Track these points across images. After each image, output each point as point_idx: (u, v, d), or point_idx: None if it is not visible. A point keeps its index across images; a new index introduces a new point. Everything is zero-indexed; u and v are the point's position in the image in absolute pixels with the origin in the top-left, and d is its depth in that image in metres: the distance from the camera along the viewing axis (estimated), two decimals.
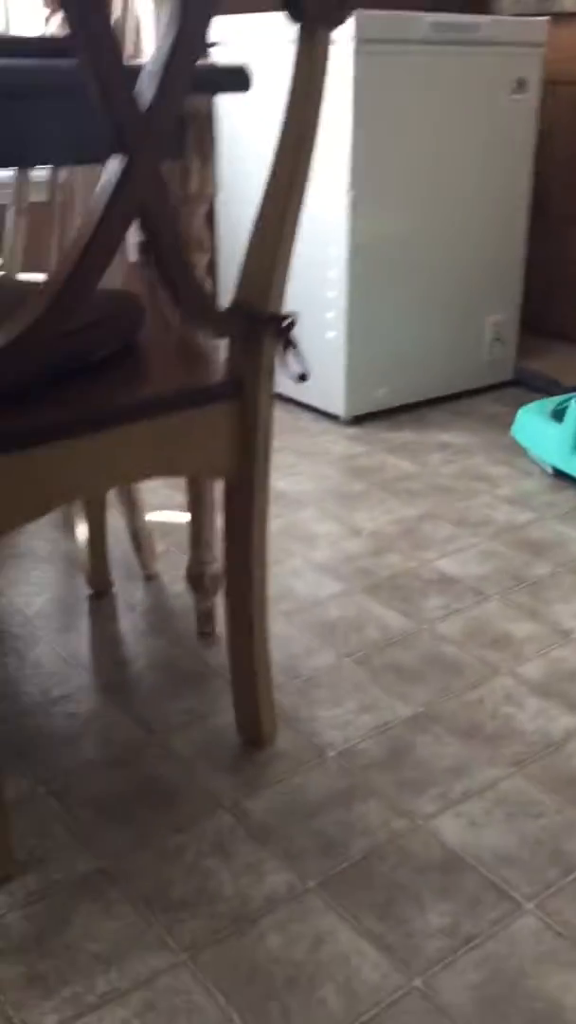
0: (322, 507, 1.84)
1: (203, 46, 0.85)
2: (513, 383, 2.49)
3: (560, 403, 2.05)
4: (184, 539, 1.69)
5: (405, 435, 2.19)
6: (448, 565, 1.64)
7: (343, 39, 1.95)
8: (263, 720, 1.18)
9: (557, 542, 1.71)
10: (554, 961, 0.92)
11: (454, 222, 2.24)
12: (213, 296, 1.00)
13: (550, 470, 1.98)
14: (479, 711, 1.27)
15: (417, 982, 0.89)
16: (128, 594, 1.53)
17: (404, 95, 2.06)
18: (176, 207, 0.98)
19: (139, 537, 1.57)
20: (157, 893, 0.98)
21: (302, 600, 1.52)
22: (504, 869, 1.02)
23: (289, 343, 0.99)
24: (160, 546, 1.67)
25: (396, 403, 2.30)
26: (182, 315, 0.93)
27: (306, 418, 2.27)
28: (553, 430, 1.97)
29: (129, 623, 1.46)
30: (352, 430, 2.21)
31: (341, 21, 0.86)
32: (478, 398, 2.42)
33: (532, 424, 2.05)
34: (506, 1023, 0.86)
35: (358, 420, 2.25)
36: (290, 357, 1.00)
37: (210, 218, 2.34)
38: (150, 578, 1.56)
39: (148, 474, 0.97)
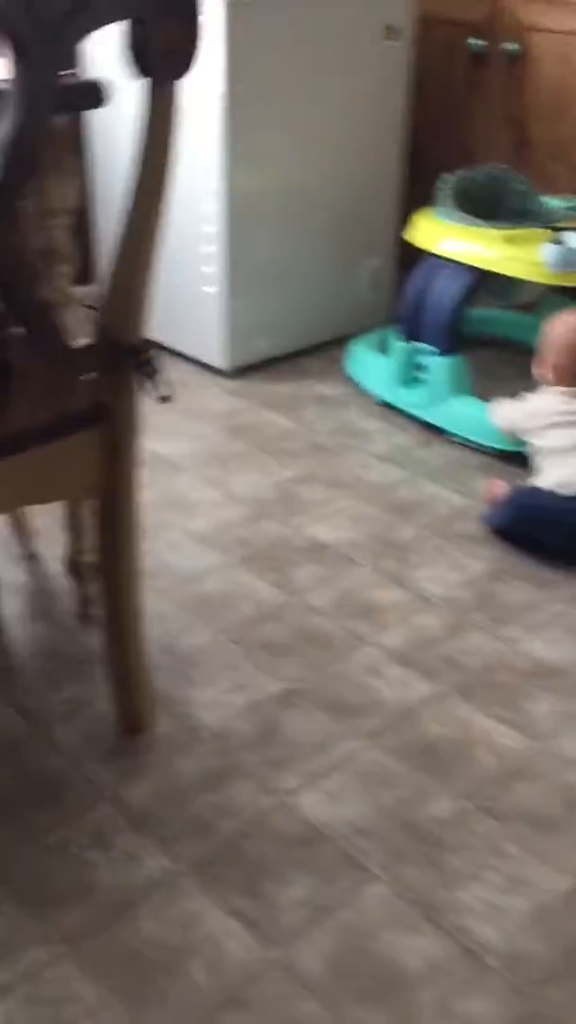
0: (200, 472, 1.89)
1: (48, 106, 0.85)
2: (390, 324, 2.55)
3: (383, 338, 2.20)
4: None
5: (285, 388, 2.24)
6: (321, 531, 1.72)
7: None
8: (140, 708, 1.26)
9: (424, 502, 1.81)
10: (399, 924, 1.04)
11: (329, 171, 2.25)
12: (79, 328, 1.02)
13: (378, 401, 2.12)
14: (343, 684, 1.37)
15: (277, 954, 1.01)
16: (8, 575, 1.57)
17: (276, 46, 2.03)
18: (27, 237, 0.99)
19: (16, 515, 1.59)
20: (39, 888, 1.06)
21: (178, 575, 1.59)
22: (360, 840, 1.14)
23: (152, 371, 1.02)
24: (39, 522, 1.70)
25: (277, 353, 2.34)
26: (39, 355, 0.96)
27: (188, 371, 2.29)
28: (379, 363, 2.13)
29: (9, 606, 1.50)
30: (233, 383, 2.25)
31: (188, 72, 0.88)
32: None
33: (360, 357, 2.21)
34: (356, 985, 0.98)
35: (240, 372, 2.28)
36: (154, 382, 1.03)
37: (84, 229, 2.29)
38: (30, 558, 1.60)
39: (14, 506, 1.01)
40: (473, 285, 1.96)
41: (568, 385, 1.76)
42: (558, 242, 1.83)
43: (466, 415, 1.97)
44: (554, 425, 1.72)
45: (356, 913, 1.05)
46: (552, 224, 1.92)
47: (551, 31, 2.21)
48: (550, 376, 1.77)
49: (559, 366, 1.75)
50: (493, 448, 1.91)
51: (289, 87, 2.09)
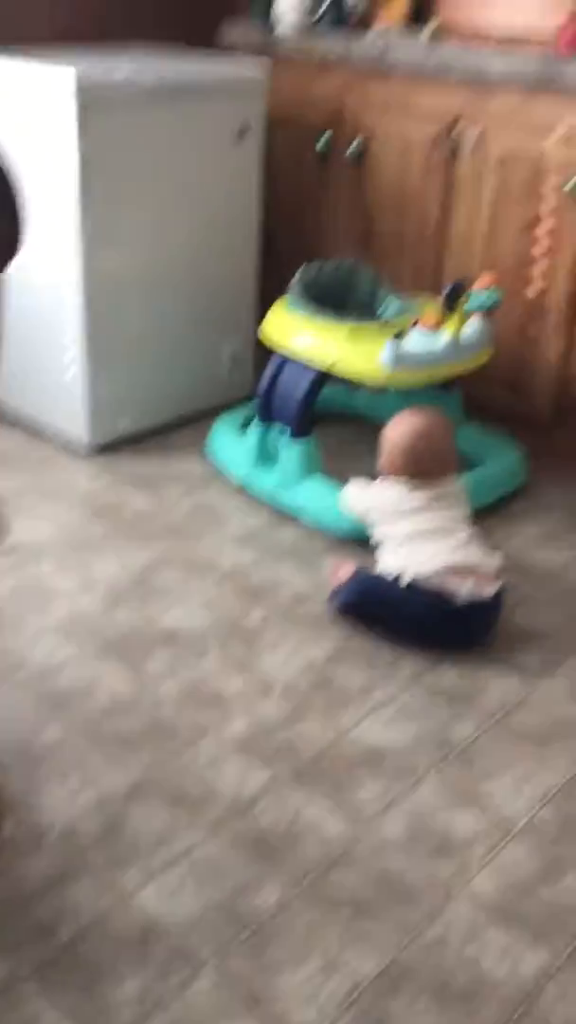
0: (59, 557, 1.96)
1: None
2: (252, 399, 2.67)
3: (247, 417, 2.31)
4: None
5: (147, 466, 2.33)
6: (173, 618, 1.82)
7: (64, 95, 2.01)
8: None
9: (272, 586, 1.93)
10: (225, 1015, 1.14)
11: (187, 257, 2.36)
12: None
13: (237, 483, 2.23)
14: (186, 776, 1.47)
15: None
16: None
17: (131, 144, 2.14)
18: None
19: None
20: None
21: (36, 669, 1.66)
22: (192, 934, 1.23)
23: None
24: None
25: (140, 430, 2.43)
26: None
27: (52, 449, 2.36)
28: (237, 444, 2.24)
29: None
30: (96, 461, 2.33)
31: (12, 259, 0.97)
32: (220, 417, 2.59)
33: (221, 438, 2.31)
34: None
35: (103, 450, 2.36)
36: None
37: None
38: None
39: None
40: (322, 376, 2.08)
41: (403, 479, 1.84)
42: (397, 341, 1.96)
43: (315, 499, 2.09)
44: (395, 514, 1.83)
45: (185, 1007, 1.15)
46: (387, 323, 2.06)
47: (389, 134, 2.38)
48: (389, 472, 1.86)
49: (396, 465, 1.83)
50: (341, 531, 2.04)
51: (144, 179, 2.20)
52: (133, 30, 2.63)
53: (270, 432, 2.16)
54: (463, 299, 2.03)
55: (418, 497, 1.81)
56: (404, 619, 1.76)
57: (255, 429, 2.18)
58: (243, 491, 2.22)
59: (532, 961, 1.22)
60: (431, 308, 2.09)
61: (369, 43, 2.35)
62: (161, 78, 2.15)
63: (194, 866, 1.32)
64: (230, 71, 2.33)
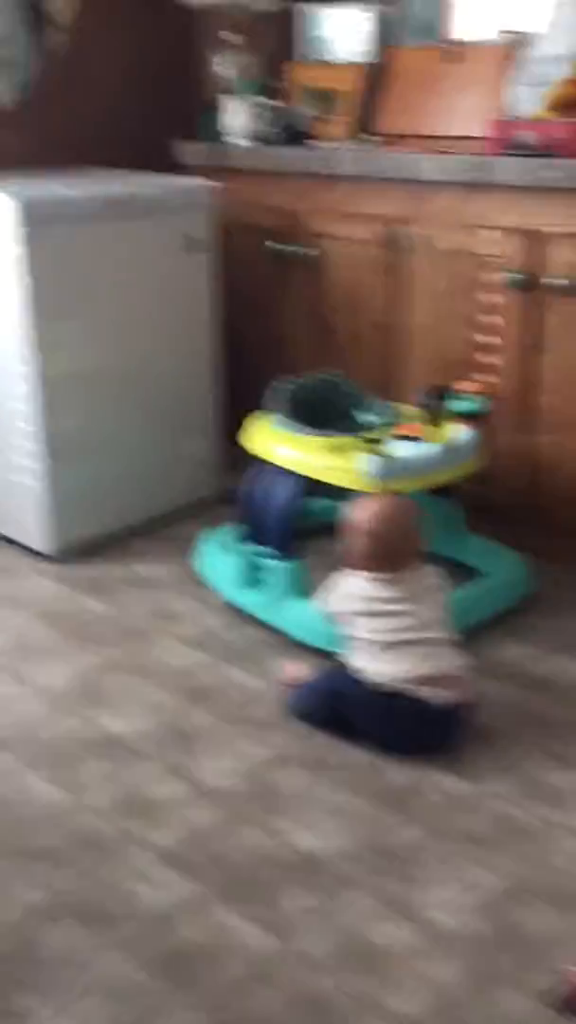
0: (8, 665, 1.94)
1: None
2: (218, 500, 2.68)
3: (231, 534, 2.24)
4: None
5: (107, 569, 2.32)
6: (114, 723, 1.77)
7: (8, 221, 2.09)
8: None
9: (221, 688, 1.88)
10: None
11: (144, 365, 2.40)
12: None
13: (224, 601, 2.15)
14: (108, 891, 1.41)
15: None
16: None
17: (80, 258, 2.20)
18: None
19: None
20: None
21: None
22: None
23: None
24: None
25: (102, 533, 2.43)
26: None
27: (12, 556, 2.36)
28: (224, 562, 2.17)
29: None
30: (56, 567, 2.32)
31: None
32: (185, 520, 2.58)
33: (209, 557, 2.24)
34: None
35: (64, 555, 2.36)
36: None
37: None
38: None
39: None
40: (303, 490, 2.00)
41: (368, 569, 1.75)
42: (378, 452, 1.89)
43: (301, 620, 1.98)
44: (364, 614, 1.72)
45: None
46: (364, 435, 1.96)
47: (339, 237, 2.44)
48: (351, 561, 1.77)
49: (357, 552, 1.75)
50: (332, 651, 1.88)
51: (96, 288, 2.25)
52: (85, 155, 2.74)
53: (254, 553, 2.07)
54: (443, 405, 1.98)
55: (387, 595, 1.71)
56: (368, 725, 1.69)
57: (238, 550, 2.10)
58: (201, 592, 2.19)
59: None
60: (414, 416, 2.03)
61: (316, 155, 2.43)
62: (106, 196, 2.23)
63: (107, 990, 1.25)
64: (175, 186, 2.42)
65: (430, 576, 1.78)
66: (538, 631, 2.05)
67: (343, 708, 1.72)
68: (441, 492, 2.15)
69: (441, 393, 2.00)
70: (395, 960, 1.30)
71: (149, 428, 2.46)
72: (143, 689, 1.88)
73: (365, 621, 1.72)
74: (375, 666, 1.69)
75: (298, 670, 1.83)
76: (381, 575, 1.74)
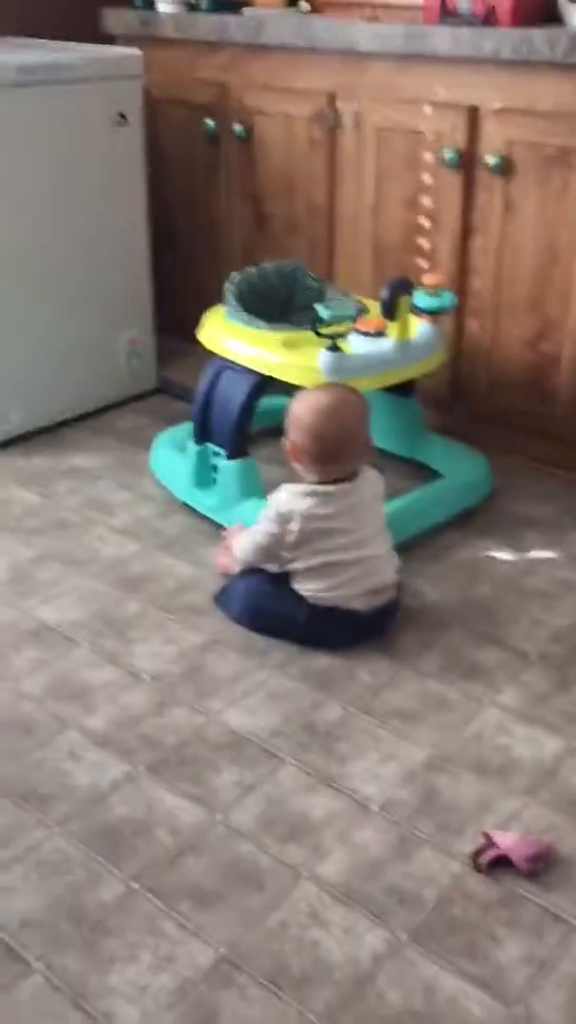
0: None
1: None
2: (156, 392, 2.63)
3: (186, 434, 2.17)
4: None
5: (39, 461, 2.28)
6: (47, 613, 1.77)
7: None
8: None
9: (154, 575, 1.89)
10: (48, 1016, 1.10)
11: (73, 247, 2.32)
12: None
13: (179, 502, 2.11)
14: (40, 772, 1.43)
15: None
16: None
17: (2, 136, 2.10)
18: None
19: None
20: None
21: None
22: (24, 932, 1.19)
23: None
24: None
25: (34, 426, 2.39)
26: None
27: None
28: (178, 463, 2.12)
29: None
30: None
31: None
32: (121, 411, 2.54)
33: (161, 456, 2.19)
34: None
35: None
36: None
37: None
38: None
39: None
40: (257, 388, 1.94)
41: (308, 468, 1.68)
42: (334, 348, 1.82)
43: (254, 521, 1.88)
44: (298, 537, 1.64)
45: (8, 1009, 1.11)
46: (321, 329, 1.83)
47: (272, 113, 2.34)
48: (293, 457, 1.70)
49: (295, 444, 1.68)
50: None
51: (16, 166, 2.15)
52: (6, 24, 2.58)
53: (206, 453, 2.02)
54: (404, 301, 1.88)
55: (325, 512, 1.64)
56: (300, 633, 1.68)
57: (191, 450, 2.04)
58: (136, 482, 2.18)
59: (371, 943, 1.19)
60: (373, 311, 1.96)
61: (246, 22, 2.31)
62: (19, 63, 2.10)
63: (38, 863, 1.28)
64: (98, 55, 2.29)
65: (372, 483, 1.71)
66: (470, 518, 2.08)
67: (268, 619, 1.71)
68: (402, 391, 2.12)
69: (398, 289, 1.89)
70: (321, 828, 1.34)
71: (79, 316, 2.39)
72: (76, 579, 1.87)
73: (298, 544, 1.66)
74: (307, 586, 1.67)
75: (229, 563, 1.83)
76: (321, 489, 1.65)
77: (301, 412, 1.68)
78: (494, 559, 1.93)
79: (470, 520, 2.06)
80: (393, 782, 1.41)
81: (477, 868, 1.27)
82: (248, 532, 1.74)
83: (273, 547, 1.68)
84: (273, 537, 1.67)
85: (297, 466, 1.70)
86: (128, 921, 1.21)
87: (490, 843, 1.29)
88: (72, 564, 1.92)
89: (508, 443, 2.25)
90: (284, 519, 1.65)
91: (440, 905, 1.23)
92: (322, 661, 1.65)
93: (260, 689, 1.60)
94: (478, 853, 1.29)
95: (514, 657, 1.67)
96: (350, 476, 1.68)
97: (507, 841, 1.28)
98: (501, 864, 1.27)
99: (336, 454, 1.66)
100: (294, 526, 1.64)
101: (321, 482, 1.67)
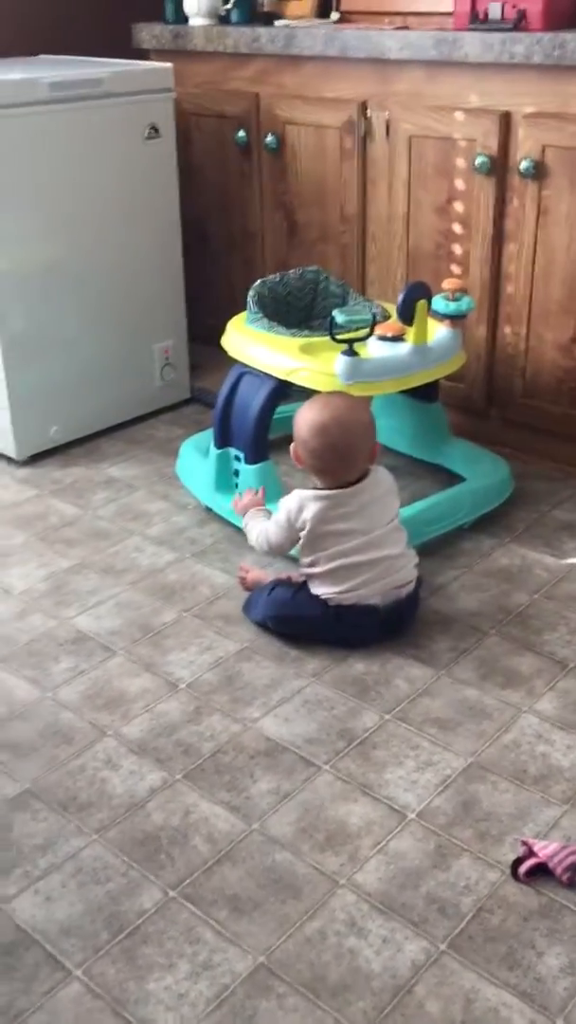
0: None
1: None
2: (189, 402, 2.65)
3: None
4: None
5: (76, 472, 2.31)
6: (85, 622, 1.79)
7: None
8: None
9: (190, 584, 1.89)
10: (86, 1021, 1.11)
11: (110, 262, 2.34)
12: None
13: (204, 507, 2.13)
14: (78, 780, 1.44)
15: None
16: None
17: (29, 151, 2.12)
18: None
19: None
20: None
21: None
22: (63, 940, 1.20)
23: None
24: None
25: (71, 438, 2.41)
26: None
27: None
28: (201, 467, 2.14)
29: None
30: (24, 471, 2.31)
31: None
32: (155, 421, 2.56)
33: (186, 461, 2.22)
34: None
35: (33, 459, 2.34)
36: None
37: None
38: None
39: None
40: (275, 393, 1.95)
41: (317, 473, 1.69)
42: (351, 353, 1.82)
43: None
44: (312, 537, 1.67)
45: (49, 1015, 1.11)
46: (340, 334, 1.84)
47: (304, 122, 2.35)
48: (298, 463, 1.72)
49: (299, 454, 1.70)
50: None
51: (50, 180, 2.17)
52: (41, 44, 2.62)
53: (228, 457, 2.03)
54: (421, 305, 1.87)
55: (337, 513, 1.65)
56: (323, 633, 1.70)
57: (212, 454, 2.06)
58: (171, 491, 2.19)
59: (410, 952, 1.18)
60: (393, 315, 1.94)
61: (277, 33, 2.33)
62: (51, 80, 2.13)
63: (77, 870, 1.29)
64: (129, 69, 2.31)
65: (382, 482, 1.71)
66: (503, 522, 2.06)
67: (292, 623, 1.72)
68: (426, 396, 2.12)
69: (414, 294, 1.88)
70: (358, 837, 1.34)
71: (113, 327, 2.41)
72: (113, 588, 1.89)
73: (313, 544, 1.67)
74: (325, 589, 1.68)
75: (255, 573, 1.83)
76: (330, 492, 1.66)
77: (302, 424, 1.68)
78: (531, 565, 1.92)
79: (506, 526, 2.05)
80: (431, 790, 1.41)
81: (516, 877, 1.26)
82: (261, 531, 1.75)
83: (285, 545, 1.72)
84: (285, 537, 1.70)
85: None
86: (166, 929, 1.21)
87: (530, 852, 1.28)
88: (109, 573, 1.93)
89: (544, 449, 2.24)
90: (293, 521, 1.68)
91: (479, 914, 1.22)
92: (358, 669, 1.65)
93: (296, 697, 1.60)
94: (517, 862, 1.28)
95: (551, 664, 1.65)
96: (359, 479, 1.69)
97: (547, 850, 1.27)
98: (541, 873, 1.26)
99: (338, 464, 1.67)
100: (305, 525, 1.66)
101: (329, 487, 1.68)
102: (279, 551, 1.76)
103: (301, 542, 1.69)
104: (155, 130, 2.32)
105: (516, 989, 1.13)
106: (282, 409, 2.02)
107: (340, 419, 1.67)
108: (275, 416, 2.00)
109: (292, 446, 1.71)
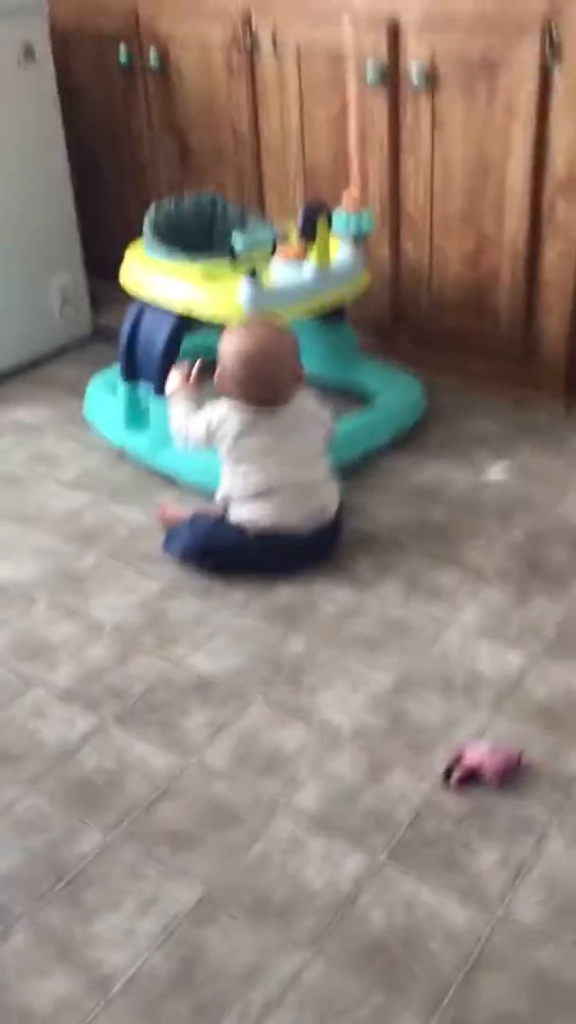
0: None
1: None
2: (92, 338, 2.57)
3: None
4: None
5: None
6: (2, 571, 1.75)
7: None
8: None
9: (107, 526, 1.86)
10: (34, 970, 1.11)
11: None
12: None
13: (115, 447, 2.09)
14: (7, 732, 1.42)
15: None
16: None
17: None
18: None
19: None
20: None
21: None
22: (4, 891, 1.19)
23: None
24: None
25: None
26: None
27: None
28: (111, 406, 2.09)
29: None
30: None
31: None
32: (58, 361, 2.48)
33: (95, 401, 2.16)
34: None
35: None
36: None
37: None
38: None
39: None
40: (182, 322, 1.90)
41: (234, 396, 1.67)
42: (253, 279, 1.77)
43: (189, 459, 1.88)
44: (234, 452, 1.67)
45: None
46: (240, 260, 1.79)
47: (187, 39, 2.26)
48: (220, 388, 1.70)
49: (229, 384, 1.67)
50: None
51: None
52: None
53: (136, 392, 1.98)
54: (322, 224, 1.84)
55: (259, 431, 1.65)
56: (246, 562, 1.69)
57: (120, 390, 2.00)
58: (82, 432, 2.13)
59: (351, 866, 1.21)
60: (292, 237, 1.89)
61: None
62: None
63: (14, 822, 1.28)
64: None
65: (307, 406, 1.72)
66: (417, 438, 2.07)
67: (215, 554, 1.70)
68: (332, 316, 2.08)
69: (314, 212, 1.84)
70: (294, 760, 1.35)
71: (5, 265, 2.31)
72: (29, 535, 1.84)
73: (234, 462, 1.68)
74: (245, 511, 1.67)
75: (174, 509, 1.81)
76: (254, 409, 1.66)
77: (228, 354, 1.66)
78: (447, 480, 1.94)
79: (420, 442, 2.05)
80: (362, 709, 1.43)
81: (448, 785, 1.30)
82: (184, 420, 1.74)
83: (200, 445, 1.71)
84: (203, 439, 1.70)
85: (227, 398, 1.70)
86: (109, 870, 1.21)
87: (460, 759, 1.31)
88: (24, 521, 1.88)
89: (452, 363, 2.23)
90: (214, 430, 1.68)
91: (415, 822, 1.25)
92: (283, 596, 1.65)
93: (223, 630, 1.59)
94: (449, 771, 1.31)
95: (473, 576, 1.68)
96: (284, 403, 1.68)
97: (477, 755, 1.30)
98: (472, 780, 1.30)
99: (269, 388, 1.66)
100: (225, 438, 1.66)
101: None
102: (191, 446, 1.74)
103: (222, 465, 1.68)
104: (30, 53, 2.20)
105: (455, 888, 1.17)
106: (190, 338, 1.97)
107: (266, 350, 1.66)
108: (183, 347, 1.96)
109: (216, 374, 1.68)
